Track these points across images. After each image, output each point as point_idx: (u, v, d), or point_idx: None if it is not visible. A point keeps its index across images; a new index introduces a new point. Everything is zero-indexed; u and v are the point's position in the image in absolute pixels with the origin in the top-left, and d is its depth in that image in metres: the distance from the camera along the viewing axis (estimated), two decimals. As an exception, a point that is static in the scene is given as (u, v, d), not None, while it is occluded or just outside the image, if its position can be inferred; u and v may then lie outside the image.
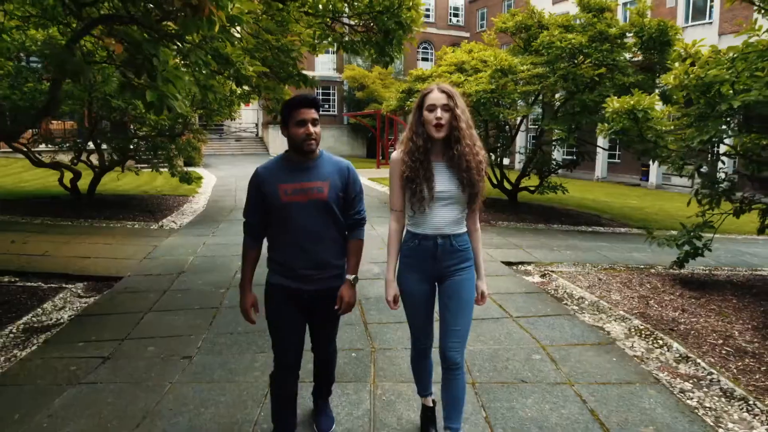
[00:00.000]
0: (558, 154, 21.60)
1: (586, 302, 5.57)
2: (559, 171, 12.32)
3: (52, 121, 14.82)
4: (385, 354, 4.13)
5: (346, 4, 5.19)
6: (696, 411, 3.39)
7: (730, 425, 3.25)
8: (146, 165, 15.40)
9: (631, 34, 9.72)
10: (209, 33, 3.10)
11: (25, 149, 10.50)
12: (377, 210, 11.82)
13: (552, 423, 3.17)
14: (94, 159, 11.80)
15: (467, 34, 39.39)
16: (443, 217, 2.57)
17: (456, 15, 41.36)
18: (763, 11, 5.45)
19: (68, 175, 11.12)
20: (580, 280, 6.42)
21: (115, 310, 5.24)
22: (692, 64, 5.33)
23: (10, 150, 12.52)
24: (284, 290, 2.61)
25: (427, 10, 39.55)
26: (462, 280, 2.64)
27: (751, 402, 3.50)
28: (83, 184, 11.35)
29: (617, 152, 26.96)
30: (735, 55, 4.87)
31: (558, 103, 11.10)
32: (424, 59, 39.64)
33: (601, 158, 26.74)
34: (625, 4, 25.58)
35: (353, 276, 2.67)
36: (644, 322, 4.98)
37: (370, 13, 5.05)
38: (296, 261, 2.57)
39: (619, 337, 4.64)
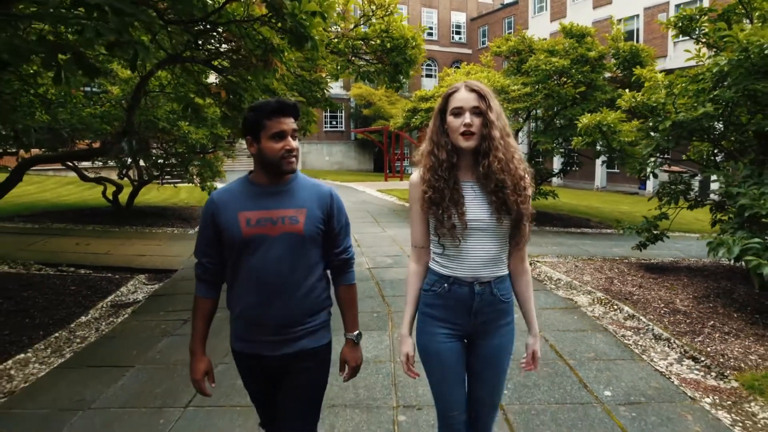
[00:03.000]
0: (557, 164, 22.87)
1: (562, 282, 6.79)
2: (561, 180, 13.56)
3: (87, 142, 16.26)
4: (398, 315, 5.36)
5: (363, 43, 6.51)
6: (629, 346, 4.61)
7: (652, 354, 4.46)
8: (178, 180, 16.77)
9: (609, 56, 11.02)
10: (271, 78, 4.39)
11: (74, 166, 11.89)
12: (386, 216, 13.11)
13: (521, 353, 4.39)
14: (122, 174, 13.21)
15: (469, 51, 40.87)
16: (481, 255, 1.96)
17: (458, 32, 42.61)
18: (701, 43, 6.72)
19: (110, 189, 12.47)
20: (560, 267, 7.64)
21: (179, 291, 6.51)
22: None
23: (62, 167, 13.90)
24: (248, 358, 2.02)
25: (430, 28, 41.08)
26: (501, 344, 2.07)
27: (672, 341, 4.71)
28: (121, 197, 12.72)
29: (616, 162, 28.17)
30: (671, 82, 6.12)
31: (547, 119, 12.38)
32: (428, 76, 40.94)
33: (600, 168, 27.91)
34: (619, 20, 27.04)
35: (355, 333, 2.13)
36: (606, 294, 6.19)
37: (383, 50, 6.38)
38: (255, 318, 1.95)
39: (584, 305, 5.86)
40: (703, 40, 6.61)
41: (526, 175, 1.98)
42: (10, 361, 4.35)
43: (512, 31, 35.62)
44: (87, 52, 3.77)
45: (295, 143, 1.92)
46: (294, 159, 1.93)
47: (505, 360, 2.10)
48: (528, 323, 2.15)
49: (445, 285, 1.98)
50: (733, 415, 3.45)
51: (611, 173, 29.78)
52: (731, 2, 6.58)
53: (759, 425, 3.32)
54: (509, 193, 1.91)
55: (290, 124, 1.91)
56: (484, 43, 39.28)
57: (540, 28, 30.70)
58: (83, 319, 5.49)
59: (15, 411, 3.55)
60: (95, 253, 8.30)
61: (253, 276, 1.92)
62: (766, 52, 4.79)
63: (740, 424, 3.32)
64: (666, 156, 7.92)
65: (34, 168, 21.08)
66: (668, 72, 7.45)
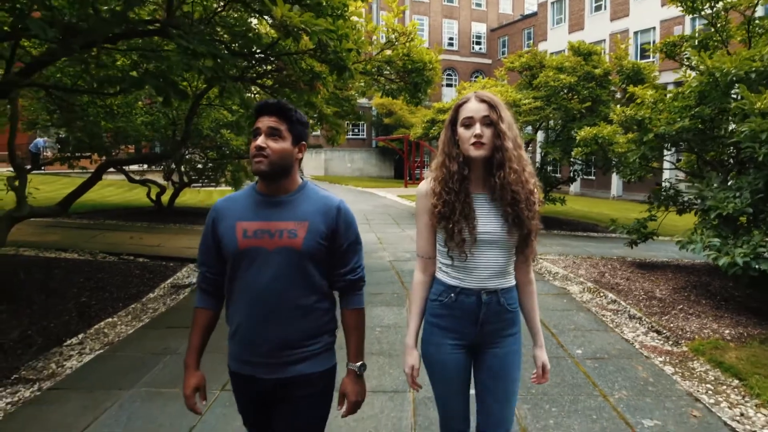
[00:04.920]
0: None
1: (559, 275, 7.72)
2: (579, 189, 14.39)
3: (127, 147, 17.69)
4: (414, 297, 6.36)
5: (387, 65, 7.55)
6: (605, 322, 5.55)
7: (624, 328, 5.40)
8: (214, 183, 18.04)
9: (614, 73, 11.92)
10: (312, 97, 5.45)
11: (122, 169, 13.16)
12: (406, 218, 14.15)
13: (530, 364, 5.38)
14: (167, 176, 14.48)
15: (489, 61, 41.69)
16: (489, 266, 1.97)
17: (479, 43, 43.26)
18: (685, 67, 7.62)
19: (154, 190, 13.71)
20: (559, 263, 8.56)
21: (227, 277, 7.59)
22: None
23: (113, 170, 15.25)
24: (244, 380, 1.90)
25: (451, 38, 42.08)
26: (509, 353, 2.06)
27: (643, 319, 5.63)
28: (162, 198, 13.98)
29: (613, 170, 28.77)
30: (656, 100, 7.04)
31: (557, 130, 13.29)
32: (449, 85, 41.66)
33: (616, 178, 28.51)
34: (636, 33, 27.77)
35: (359, 363, 1.94)
36: (596, 285, 7.11)
37: (405, 71, 7.42)
38: (249, 338, 1.85)
39: (575, 292, 6.79)
40: (686, 63, 7.51)
41: (536, 189, 1.98)
42: (102, 323, 5.45)
43: (531, 41, 36.49)
44: (176, 79, 4.85)
45: (269, 142, 1.78)
46: (263, 159, 1.77)
47: (515, 370, 2.06)
48: (533, 334, 2.13)
49: (452, 295, 1.98)
50: (676, 368, 4.38)
51: (629, 182, 30.44)
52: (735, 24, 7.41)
53: (694, 375, 4.25)
54: (522, 208, 1.91)
55: (267, 122, 1.79)
56: (504, 53, 39.93)
57: (558, 39, 31.47)
58: (151, 295, 6.59)
59: (118, 354, 4.63)
60: (149, 245, 9.45)
61: (247, 291, 1.82)
62: (727, 77, 5.70)
63: (679, 374, 4.25)
64: (654, 165, 8.78)
65: (76, 171, 22.60)
66: (681, 83, 8.32)
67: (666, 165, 10.30)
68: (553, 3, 33.28)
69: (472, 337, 2.01)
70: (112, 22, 4.08)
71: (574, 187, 28.66)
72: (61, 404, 3.67)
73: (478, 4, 43.23)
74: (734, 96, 6.06)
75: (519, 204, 1.91)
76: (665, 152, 8.17)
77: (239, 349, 1.88)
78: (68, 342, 4.87)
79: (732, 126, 6.75)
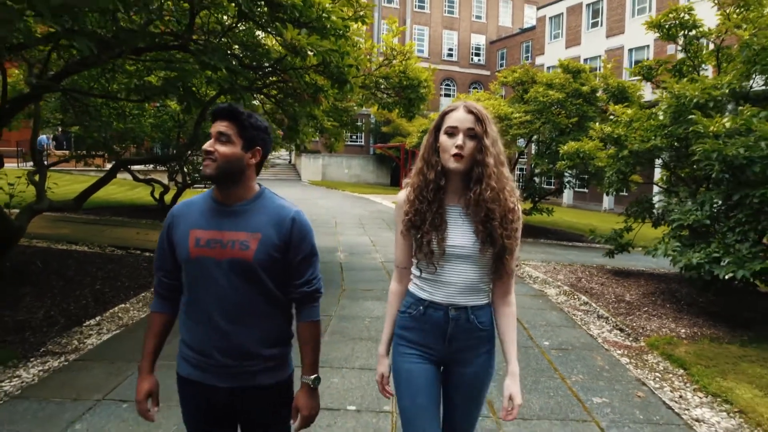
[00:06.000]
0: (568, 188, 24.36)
1: (539, 279, 8.28)
2: (572, 201, 14.98)
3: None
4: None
5: (384, 81, 8.13)
6: (575, 320, 6.10)
7: (591, 326, 5.95)
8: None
9: (601, 91, 12.55)
10: (315, 110, 6.01)
11: (128, 168, 13.67)
12: (399, 224, 14.69)
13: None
14: (171, 176, 15.03)
15: (487, 73, 42.33)
16: (458, 282, 1.91)
17: (478, 54, 43.80)
18: (661, 89, 8.22)
19: (158, 189, 14.24)
20: (540, 269, 9.13)
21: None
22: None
23: (103, 169, 15.86)
24: (194, 386, 1.85)
25: (450, 49, 42.74)
26: (477, 373, 1.98)
27: (609, 319, 6.19)
28: (165, 197, 14.51)
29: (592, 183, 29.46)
30: (631, 118, 7.63)
31: (547, 142, 13.89)
32: (447, 95, 42.19)
33: (607, 190, 29.10)
34: (630, 50, 28.51)
35: (312, 377, 1.88)
36: (571, 288, 7.67)
37: (400, 87, 8.00)
38: (206, 343, 1.80)
39: (551, 294, 7.35)
40: (662, 85, 8.11)
41: (516, 208, 1.90)
42: (116, 308, 5.97)
43: (529, 54, 37.21)
44: (194, 88, 5.41)
45: (218, 146, 1.75)
46: (210, 163, 1.75)
47: (481, 390, 2.01)
48: (507, 360, 1.96)
49: (421, 308, 1.93)
50: (631, 359, 4.94)
51: (619, 196, 31.11)
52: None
53: (646, 365, 4.80)
54: (496, 225, 1.84)
55: (218, 126, 1.76)
56: (502, 65, 40.49)
57: (555, 54, 32.12)
58: (159, 286, 7.11)
59: (133, 334, 5.15)
60: (154, 241, 9.94)
61: (199, 300, 1.80)
62: (690, 103, 6.30)
63: (633, 364, 4.81)
64: (638, 180, 9.37)
65: (78, 169, 23.10)
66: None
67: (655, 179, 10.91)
68: (551, 18, 34.02)
69: (441, 353, 1.96)
70: (138, 36, 4.64)
71: (567, 199, 29.29)
72: (87, 371, 4.19)
73: (478, 17, 43.87)
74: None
75: (493, 221, 1.84)
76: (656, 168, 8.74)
77: (197, 355, 1.82)
78: (87, 323, 5.39)
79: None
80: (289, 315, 1.93)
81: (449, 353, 1.95)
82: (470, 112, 1.88)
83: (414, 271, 2.00)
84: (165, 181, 14.34)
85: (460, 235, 1.89)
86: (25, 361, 4.35)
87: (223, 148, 1.75)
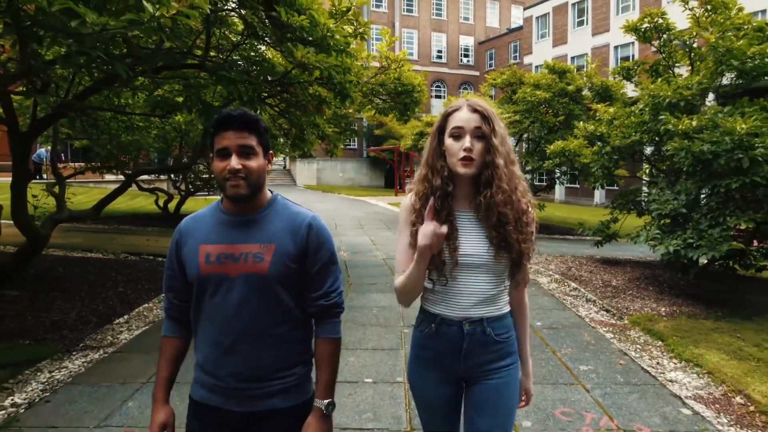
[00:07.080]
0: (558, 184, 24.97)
1: (531, 269, 8.79)
2: (564, 197, 15.53)
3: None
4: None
5: (380, 87, 8.66)
6: (564, 303, 6.63)
7: (579, 308, 6.47)
8: (217, 192, 19.09)
9: (586, 89, 13.13)
10: (319, 120, 6.51)
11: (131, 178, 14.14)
12: (396, 224, 15.17)
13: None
14: (174, 185, 15.51)
15: (477, 73, 42.95)
16: (473, 293, 1.77)
17: (467, 55, 44.38)
18: (638, 87, 8.78)
19: (162, 198, 14.70)
20: (533, 260, 9.65)
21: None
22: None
23: (101, 180, 16.34)
24: (208, 411, 1.71)
25: (440, 51, 43.30)
26: (500, 385, 1.82)
27: (596, 301, 6.72)
28: (169, 205, 14.98)
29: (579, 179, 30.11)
30: (612, 117, 8.18)
31: (536, 140, 14.45)
32: (438, 96, 42.61)
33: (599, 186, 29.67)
34: (616, 47, 29.17)
35: (326, 402, 1.71)
36: (562, 276, 8.20)
37: (396, 93, 8.53)
38: (219, 366, 1.68)
39: (543, 282, 7.87)
40: (639, 86, 8.68)
41: (530, 209, 1.80)
42: (140, 308, 6.44)
43: (517, 54, 37.85)
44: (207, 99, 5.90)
45: (244, 162, 1.60)
46: (241, 182, 1.60)
47: (507, 404, 1.82)
48: (521, 360, 1.92)
49: (433, 325, 1.81)
50: (615, 335, 5.46)
51: (610, 190, 31.72)
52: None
53: (628, 339, 5.33)
54: (511, 230, 1.72)
55: (235, 138, 1.59)
56: (491, 65, 41.07)
57: (542, 53, 32.75)
58: (176, 287, 7.58)
59: (160, 331, 5.62)
60: (165, 247, 10.43)
61: (212, 320, 1.67)
62: (663, 102, 6.86)
63: (617, 339, 5.33)
64: (624, 173, 9.92)
65: (78, 180, 23.51)
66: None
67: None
68: (538, 18, 34.65)
69: (459, 371, 1.83)
70: (158, 56, 5.13)
71: (559, 195, 29.88)
72: (127, 362, 4.67)
73: (466, 18, 44.46)
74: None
75: (506, 226, 1.72)
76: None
77: (210, 378, 1.69)
78: (116, 321, 5.87)
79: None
80: (308, 333, 1.78)
81: (468, 370, 1.83)
82: (475, 110, 1.74)
83: (426, 284, 1.82)
84: (167, 189, 14.81)
85: (472, 242, 1.77)
86: (68, 355, 4.82)
87: (250, 163, 1.62)
